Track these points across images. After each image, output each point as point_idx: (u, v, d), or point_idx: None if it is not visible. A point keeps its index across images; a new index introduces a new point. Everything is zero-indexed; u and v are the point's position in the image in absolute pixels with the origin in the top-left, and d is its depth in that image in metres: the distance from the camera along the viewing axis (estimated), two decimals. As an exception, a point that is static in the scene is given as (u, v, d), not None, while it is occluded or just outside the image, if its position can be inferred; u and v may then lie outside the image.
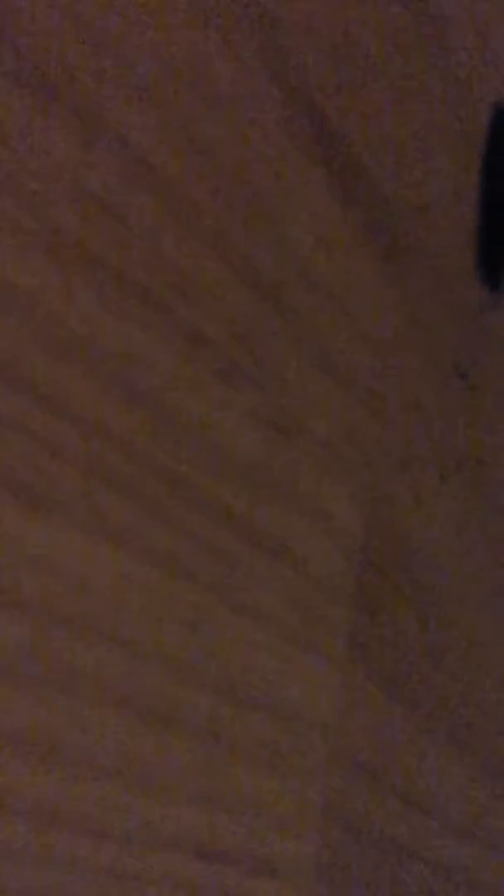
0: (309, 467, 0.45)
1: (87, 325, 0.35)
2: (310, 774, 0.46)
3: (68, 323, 0.34)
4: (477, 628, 0.59)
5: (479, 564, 0.59)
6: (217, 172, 0.39)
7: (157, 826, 0.38)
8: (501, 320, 0.60)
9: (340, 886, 0.49)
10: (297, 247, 0.44)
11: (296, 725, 0.45)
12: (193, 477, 0.39)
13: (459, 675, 0.58)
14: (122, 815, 0.37)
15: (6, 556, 0.33)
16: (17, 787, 0.33)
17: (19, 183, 0.32)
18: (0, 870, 0.33)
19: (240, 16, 0.40)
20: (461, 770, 0.59)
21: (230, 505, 0.41)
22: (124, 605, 0.37)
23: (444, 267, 0.54)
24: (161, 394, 0.38)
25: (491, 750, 0.62)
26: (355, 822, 0.50)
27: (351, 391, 0.47)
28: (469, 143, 0.55)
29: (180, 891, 0.39)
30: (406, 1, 0.49)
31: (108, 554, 0.36)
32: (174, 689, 0.39)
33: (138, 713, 0.37)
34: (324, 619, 0.46)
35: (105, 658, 0.36)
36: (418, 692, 0.55)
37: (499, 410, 0.60)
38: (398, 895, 0.53)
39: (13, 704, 0.33)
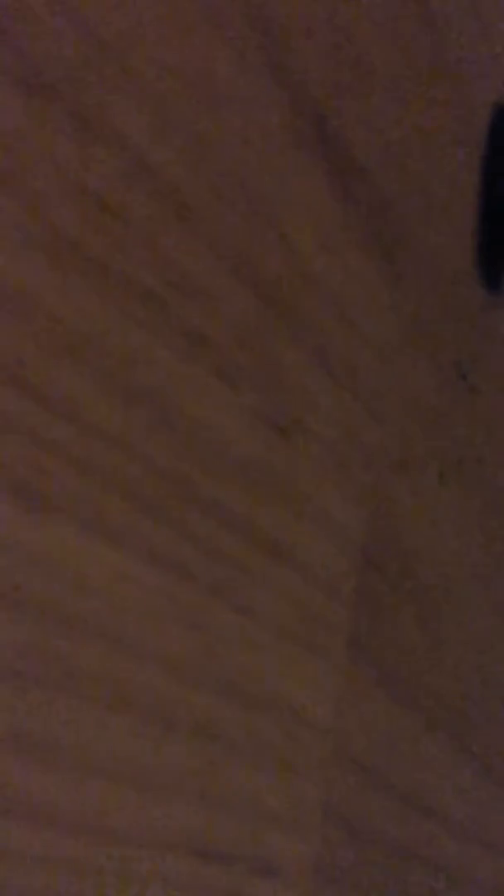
0: (309, 467, 0.45)
1: (87, 325, 0.35)
2: (310, 774, 0.46)
3: (68, 323, 0.34)
4: (477, 628, 0.59)
5: (479, 564, 0.59)
6: (217, 172, 0.39)
7: (156, 826, 0.38)
8: (501, 320, 0.60)
9: (340, 886, 0.49)
10: (297, 247, 0.44)
11: (296, 725, 0.45)
12: (193, 477, 0.39)
13: (459, 675, 0.58)
14: (122, 815, 0.37)
15: (6, 556, 0.33)
16: (17, 787, 0.33)
17: (19, 183, 0.33)
18: (0, 870, 0.33)
19: (240, 16, 0.40)
20: (461, 770, 0.59)
21: (230, 505, 0.41)
22: (124, 605, 0.37)
23: (444, 267, 0.54)
24: (161, 394, 0.38)
25: (491, 750, 0.62)
26: (355, 822, 0.50)
27: (351, 391, 0.47)
28: (469, 143, 0.55)
29: (180, 891, 0.39)
30: (406, 1, 0.49)
31: (108, 554, 0.36)
32: (174, 689, 0.39)
33: (138, 713, 0.37)
34: (324, 619, 0.46)
35: (105, 658, 0.36)
36: (418, 692, 0.55)
37: (499, 410, 0.60)
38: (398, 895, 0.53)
39: (13, 704, 0.33)
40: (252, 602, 0.42)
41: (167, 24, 0.37)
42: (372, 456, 0.49)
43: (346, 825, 0.49)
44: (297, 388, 0.44)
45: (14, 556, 0.33)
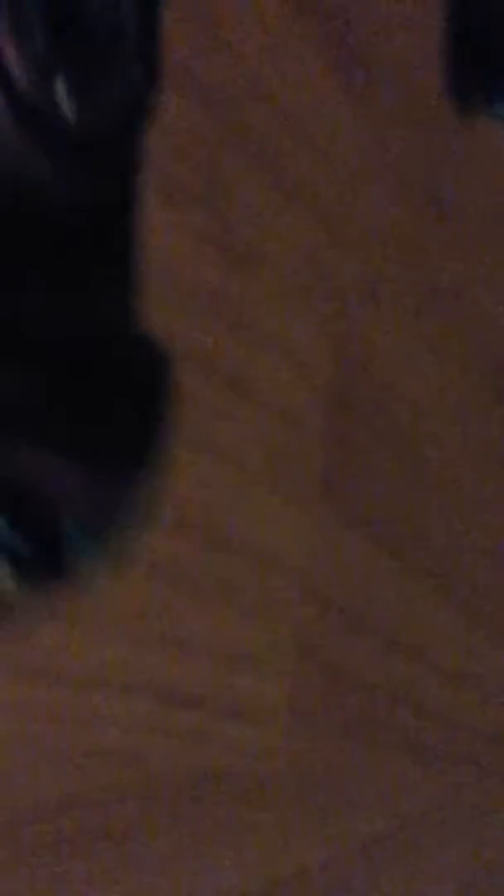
0: (269, 298, 0.43)
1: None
2: (282, 616, 0.45)
3: None
4: (458, 469, 0.58)
5: (460, 403, 0.57)
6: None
7: (123, 670, 0.37)
8: (475, 144, 0.57)
9: (315, 726, 0.47)
10: (243, 52, 0.41)
11: (265, 566, 0.43)
12: (145, 309, 0.37)
13: (443, 519, 0.56)
14: (88, 660, 0.36)
15: None
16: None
17: None
18: None
19: None
20: (447, 615, 0.58)
21: (183, 336, 0.39)
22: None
23: (412, 87, 0.51)
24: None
25: (478, 595, 0.60)
26: (332, 664, 0.48)
27: (311, 216, 0.45)
28: None
29: (151, 734, 0.38)
30: None
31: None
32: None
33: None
34: (291, 458, 0.45)
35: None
36: (400, 535, 0.53)
37: (476, 240, 0.57)
38: (378, 738, 0.52)
39: None
40: (212, 438, 0.40)
41: None
42: (337, 286, 0.47)
43: (323, 666, 0.48)
44: (250, 210, 0.41)
45: None
